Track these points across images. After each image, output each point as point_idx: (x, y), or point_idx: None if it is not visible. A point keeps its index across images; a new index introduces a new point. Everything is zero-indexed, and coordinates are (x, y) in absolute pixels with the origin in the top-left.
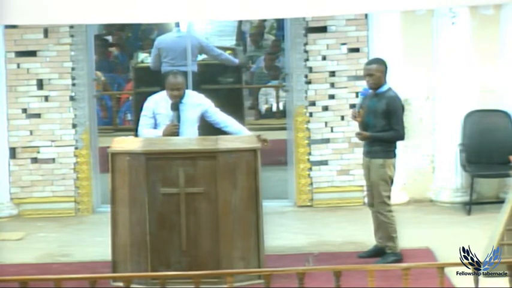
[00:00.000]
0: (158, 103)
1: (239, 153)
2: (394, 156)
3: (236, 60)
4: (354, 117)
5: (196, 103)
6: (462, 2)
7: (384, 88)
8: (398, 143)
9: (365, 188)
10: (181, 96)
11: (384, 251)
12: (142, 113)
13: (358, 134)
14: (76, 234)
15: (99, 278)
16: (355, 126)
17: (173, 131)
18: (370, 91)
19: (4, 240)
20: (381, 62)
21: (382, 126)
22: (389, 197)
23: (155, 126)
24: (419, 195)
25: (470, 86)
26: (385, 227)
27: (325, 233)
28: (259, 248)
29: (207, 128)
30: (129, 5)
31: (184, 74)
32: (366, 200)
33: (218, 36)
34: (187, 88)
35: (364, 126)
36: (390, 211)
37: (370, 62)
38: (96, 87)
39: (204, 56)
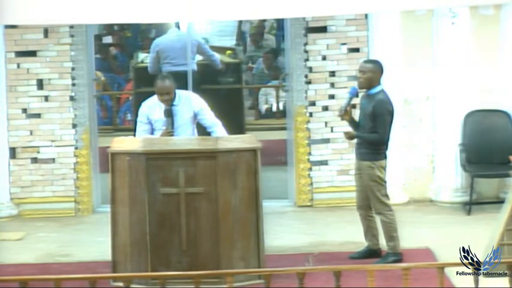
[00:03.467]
0: (151, 109)
1: (239, 153)
2: (384, 157)
3: (220, 65)
4: (341, 115)
5: (189, 104)
6: (462, 2)
7: (376, 90)
8: (396, 143)
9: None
10: (172, 100)
11: (375, 252)
12: (138, 118)
13: (345, 133)
14: (76, 234)
15: (99, 278)
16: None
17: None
18: (358, 90)
19: (4, 240)
20: (376, 64)
21: (370, 127)
22: (386, 196)
23: (152, 131)
24: (419, 195)
25: (470, 86)
26: (385, 227)
27: (325, 233)
28: (259, 248)
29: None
30: (129, 5)
31: (185, 73)
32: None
33: (218, 36)
34: (187, 88)
35: (355, 125)
36: (390, 210)
37: (366, 61)
38: (96, 87)
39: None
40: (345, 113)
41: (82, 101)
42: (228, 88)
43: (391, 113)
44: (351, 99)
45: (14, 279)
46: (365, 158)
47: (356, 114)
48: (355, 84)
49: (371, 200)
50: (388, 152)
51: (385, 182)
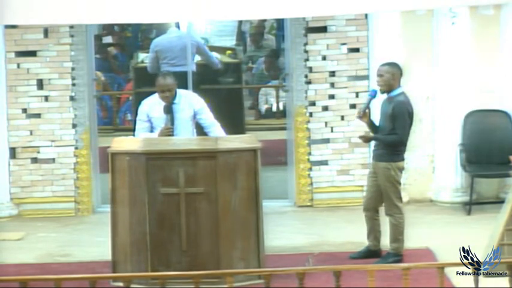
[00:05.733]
0: (152, 107)
1: (239, 153)
2: (401, 159)
3: (218, 65)
4: (360, 117)
5: (189, 103)
6: (462, 2)
7: (395, 92)
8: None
9: (365, 189)
10: (173, 97)
11: (375, 253)
12: (138, 117)
13: (361, 137)
14: (76, 234)
15: (99, 278)
16: (355, 126)
17: (167, 134)
18: (378, 92)
19: (4, 240)
20: (393, 66)
21: (389, 130)
22: (400, 199)
23: (151, 129)
24: (419, 195)
25: (470, 86)
26: (392, 228)
27: (325, 233)
28: (259, 248)
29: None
30: (129, 5)
31: (184, 74)
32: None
33: (218, 36)
34: (187, 89)
35: (374, 128)
36: (401, 213)
37: (383, 64)
38: (96, 87)
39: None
40: (364, 115)
41: (82, 101)
42: (228, 88)
43: (410, 115)
44: (370, 101)
45: (14, 279)
46: (382, 159)
47: (376, 117)
48: (355, 84)
49: (384, 200)
50: (405, 155)
51: (400, 184)
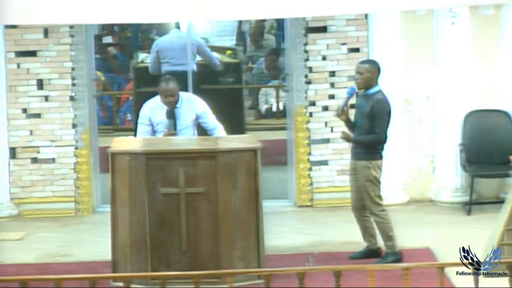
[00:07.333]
0: (153, 111)
1: (239, 153)
2: (380, 157)
3: (219, 67)
4: (338, 115)
5: (192, 107)
6: (462, 2)
7: (373, 90)
8: (396, 143)
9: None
10: (176, 102)
11: (375, 252)
12: (139, 120)
13: (342, 133)
14: (76, 234)
15: (99, 278)
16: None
17: None
18: (356, 90)
19: (4, 240)
20: (372, 63)
21: (367, 128)
22: (380, 197)
23: (153, 133)
24: (419, 195)
25: (470, 86)
26: (380, 227)
27: (325, 233)
28: (259, 248)
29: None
30: (129, 5)
31: (184, 73)
32: None
33: (218, 36)
34: (187, 89)
35: (351, 126)
36: (383, 210)
37: (362, 62)
38: (96, 87)
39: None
40: (342, 113)
41: (82, 101)
42: (228, 88)
43: (389, 113)
44: (348, 99)
45: (14, 279)
46: (361, 157)
47: (352, 114)
48: (354, 84)
49: (365, 200)
50: (383, 152)
51: (380, 182)
